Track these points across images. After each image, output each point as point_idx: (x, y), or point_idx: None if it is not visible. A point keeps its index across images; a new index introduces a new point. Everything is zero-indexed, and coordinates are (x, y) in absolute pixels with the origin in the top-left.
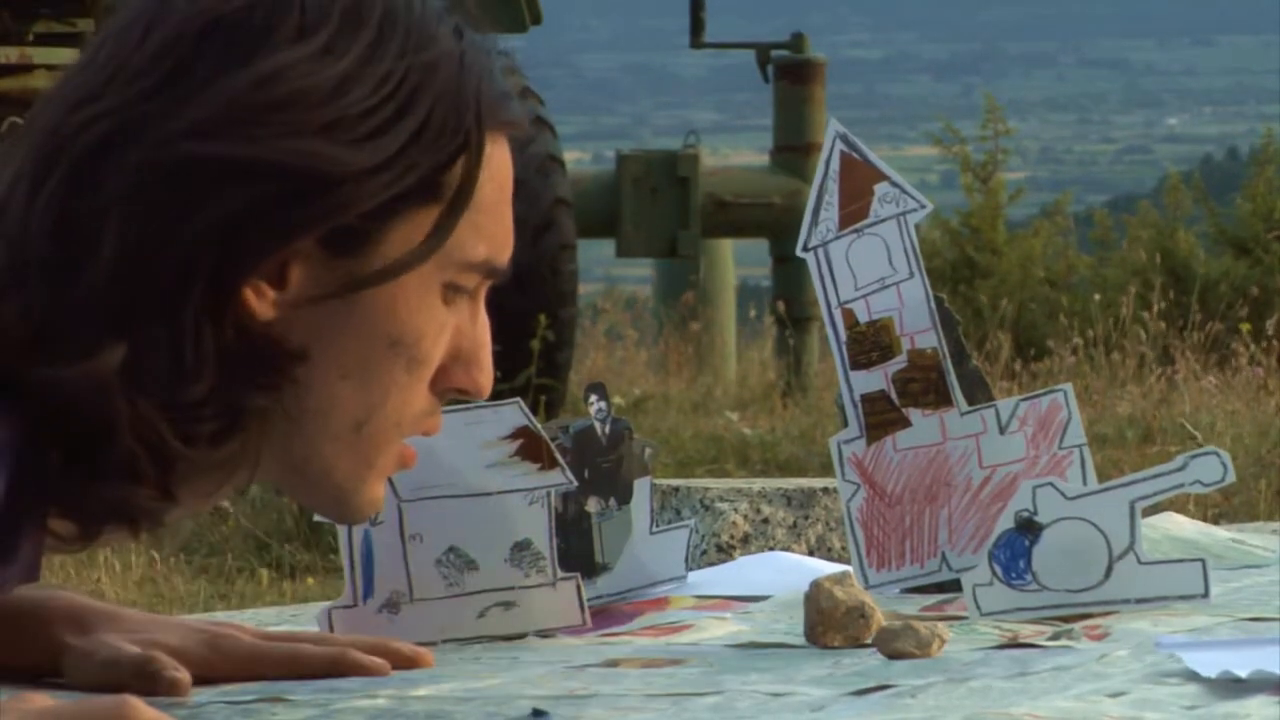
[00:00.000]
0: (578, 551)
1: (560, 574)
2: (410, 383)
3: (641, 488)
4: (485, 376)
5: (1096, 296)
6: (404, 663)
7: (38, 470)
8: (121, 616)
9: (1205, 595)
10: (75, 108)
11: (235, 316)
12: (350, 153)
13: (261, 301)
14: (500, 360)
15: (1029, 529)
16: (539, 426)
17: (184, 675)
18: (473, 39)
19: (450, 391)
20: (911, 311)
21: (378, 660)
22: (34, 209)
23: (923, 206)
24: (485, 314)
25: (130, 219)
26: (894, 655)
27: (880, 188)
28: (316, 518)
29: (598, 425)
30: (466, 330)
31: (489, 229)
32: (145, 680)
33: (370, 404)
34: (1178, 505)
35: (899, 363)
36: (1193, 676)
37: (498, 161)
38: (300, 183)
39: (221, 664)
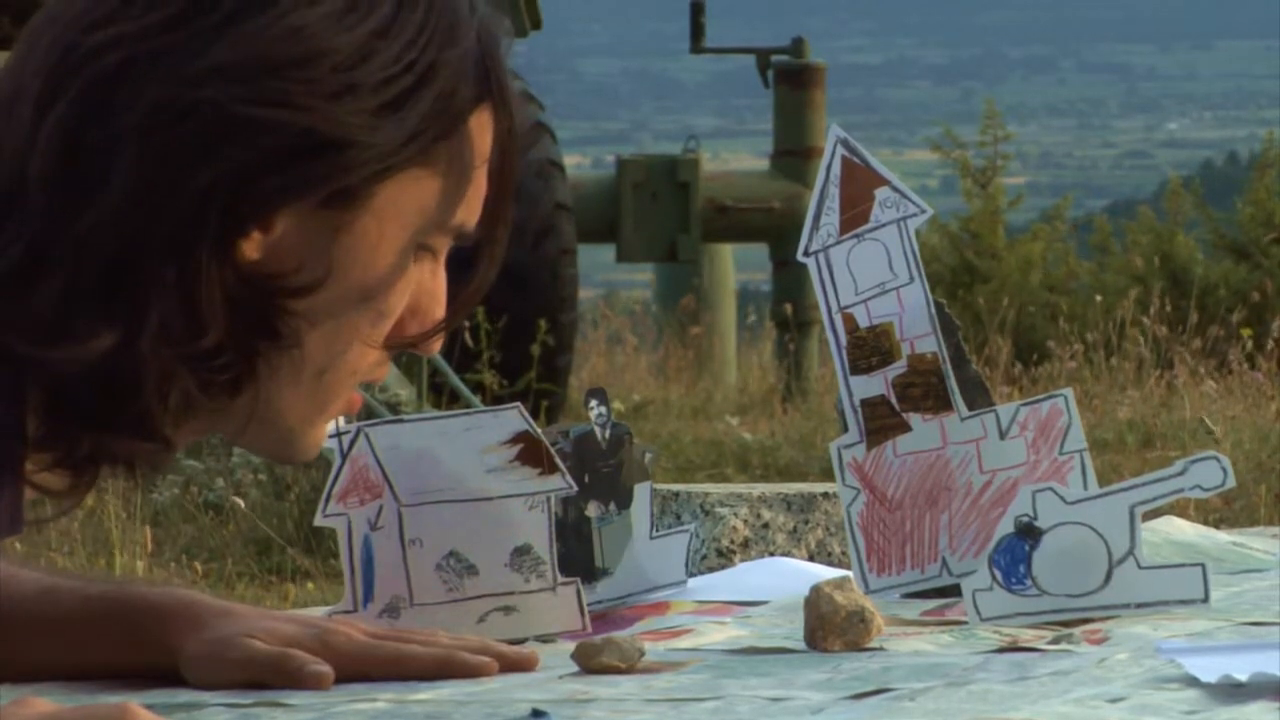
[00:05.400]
0: (578, 556)
1: (560, 579)
2: (372, 335)
3: (641, 492)
4: (433, 325)
5: (1098, 298)
6: (510, 665)
7: (11, 422)
8: (235, 612)
9: (1205, 600)
10: (89, 29)
11: (233, 261)
12: (368, 121)
13: (249, 243)
14: (501, 365)
15: (1029, 534)
16: (539, 431)
17: (327, 669)
18: (484, 12)
19: (399, 342)
20: (912, 316)
21: (485, 660)
22: (41, 131)
23: (923, 211)
24: (444, 271)
25: (145, 156)
26: (596, 670)
27: (881, 192)
28: (318, 521)
29: (598, 430)
30: (426, 286)
31: (469, 195)
32: (286, 677)
33: (334, 353)
34: (1178, 510)
35: (899, 367)
36: (1192, 681)
37: (483, 128)
38: (316, 144)
39: (332, 660)
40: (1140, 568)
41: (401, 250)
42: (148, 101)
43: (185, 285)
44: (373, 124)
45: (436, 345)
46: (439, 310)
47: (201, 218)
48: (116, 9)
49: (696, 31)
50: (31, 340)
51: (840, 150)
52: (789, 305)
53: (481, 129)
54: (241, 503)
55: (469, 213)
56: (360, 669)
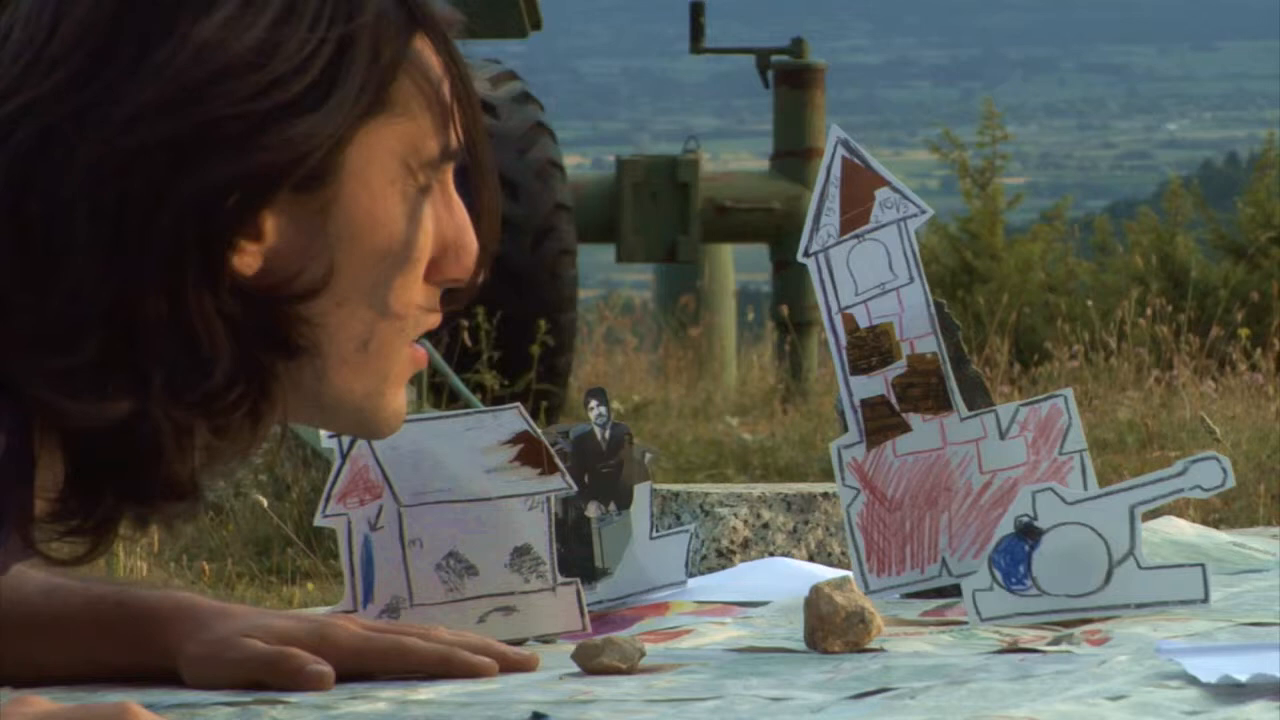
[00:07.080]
0: (578, 556)
1: (560, 579)
2: (406, 283)
3: (641, 493)
4: (471, 258)
5: (1089, 302)
6: (510, 665)
7: (22, 461)
8: (233, 613)
9: (1205, 600)
10: None
11: (228, 282)
12: (303, 103)
13: (244, 257)
14: (501, 365)
15: (1029, 534)
16: (539, 431)
17: (328, 669)
18: None
19: (445, 282)
20: (912, 316)
21: (485, 660)
22: None
23: (923, 212)
24: (457, 196)
25: (100, 214)
26: (597, 670)
27: (881, 193)
28: (318, 521)
29: (598, 430)
30: (445, 219)
31: (434, 121)
32: (285, 676)
33: (371, 319)
34: (1177, 510)
35: (899, 368)
36: (1193, 681)
37: (428, 58)
38: (259, 147)
39: (332, 654)
40: (1140, 568)
41: (396, 197)
42: (83, 162)
43: (181, 326)
44: (309, 104)
45: (477, 271)
46: (468, 237)
47: (178, 258)
48: (19, 76)
49: (696, 32)
50: (55, 394)
51: (840, 151)
52: (788, 306)
53: (425, 58)
54: (264, 501)
55: (448, 135)
56: (360, 662)
